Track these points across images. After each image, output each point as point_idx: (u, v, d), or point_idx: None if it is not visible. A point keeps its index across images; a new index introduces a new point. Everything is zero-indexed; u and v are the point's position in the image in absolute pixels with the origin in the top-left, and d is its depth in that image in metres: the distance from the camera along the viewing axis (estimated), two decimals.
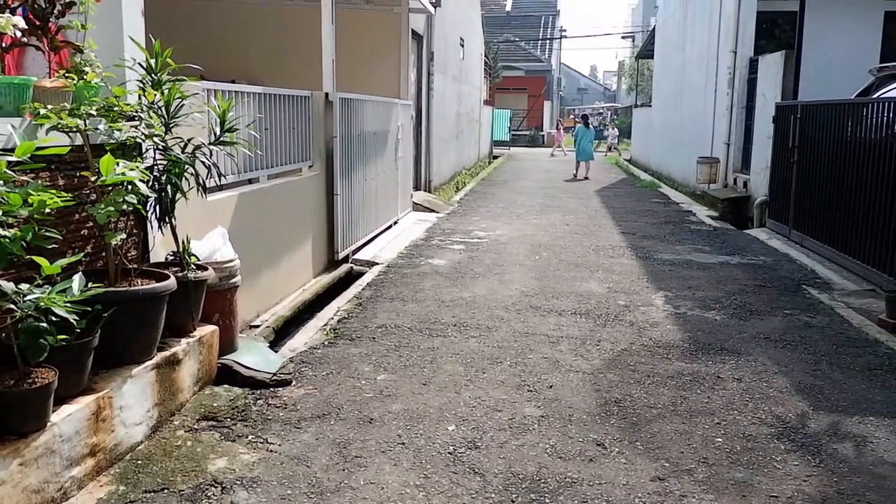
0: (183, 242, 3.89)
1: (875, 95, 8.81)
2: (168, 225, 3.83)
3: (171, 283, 3.50)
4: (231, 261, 4.25)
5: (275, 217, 6.04)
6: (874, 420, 3.93)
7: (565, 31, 44.49)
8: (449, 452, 3.48)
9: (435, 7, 11.04)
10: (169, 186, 3.75)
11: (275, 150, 6.03)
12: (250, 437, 3.56)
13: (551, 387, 4.31)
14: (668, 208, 12.96)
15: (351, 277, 7.42)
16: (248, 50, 10.22)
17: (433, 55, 13.02)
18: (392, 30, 10.51)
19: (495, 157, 26.81)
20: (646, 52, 26.62)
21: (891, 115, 7.09)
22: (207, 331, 3.99)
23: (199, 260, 4.10)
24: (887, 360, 4.92)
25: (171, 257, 4.06)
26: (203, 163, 3.97)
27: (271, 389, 4.14)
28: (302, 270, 6.73)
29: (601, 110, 39.97)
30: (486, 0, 24.85)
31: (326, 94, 7.15)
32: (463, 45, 17.74)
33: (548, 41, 41.38)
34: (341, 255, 7.52)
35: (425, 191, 13.22)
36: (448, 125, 15.87)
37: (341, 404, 3.99)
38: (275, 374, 4.27)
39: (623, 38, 50.20)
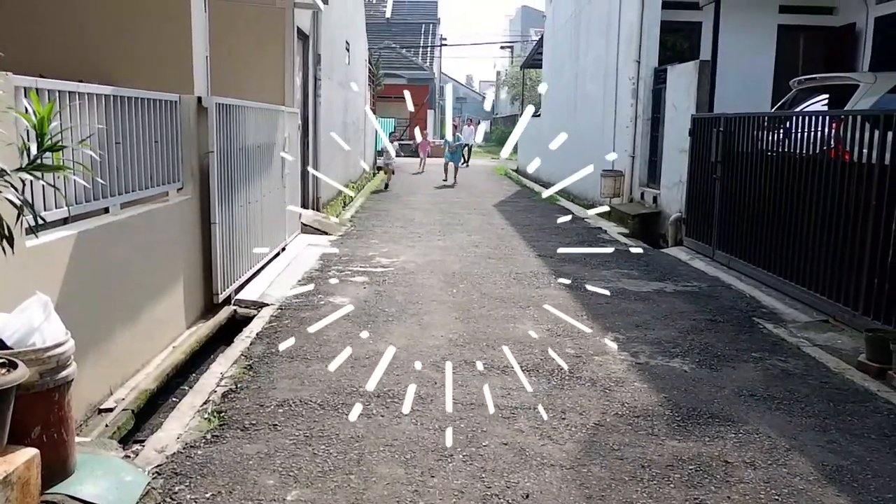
0: None
1: (798, 108, 8.41)
2: None
3: None
4: (59, 345, 2.82)
5: (133, 257, 4.60)
6: None
7: (446, 39, 43.95)
8: None
9: (323, 3, 9.74)
10: None
11: (131, 171, 4.60)
12: None
13: (527, 496, 3.20)
14: (575, 224, 12.26)
15: (235, 324, 6.03)
16: (103, 43, 8.42)
17: (320, 58, 11.68)
18: (275, 27, 9.11)
19: (379, 169, 25.51)
20: (532, 62, 26.33)
21: (829, 129, 6.57)
22: (20, 461, 2.57)
23: (8, 347, 2.69)
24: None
25: None
26: (11, 201, 2.57)
27: None
28: (171, 322, 5.29)
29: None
30: (366, 5, 23.56)
31: (199, 99, 5.74)
32: (349, 49, 16.45)
33: (429, 49, 40.64)
34: (222, 297, 6.11)
35: (314, 209, 11.84)
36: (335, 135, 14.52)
37: None
38: None
39: (502, 48, 50.52)
